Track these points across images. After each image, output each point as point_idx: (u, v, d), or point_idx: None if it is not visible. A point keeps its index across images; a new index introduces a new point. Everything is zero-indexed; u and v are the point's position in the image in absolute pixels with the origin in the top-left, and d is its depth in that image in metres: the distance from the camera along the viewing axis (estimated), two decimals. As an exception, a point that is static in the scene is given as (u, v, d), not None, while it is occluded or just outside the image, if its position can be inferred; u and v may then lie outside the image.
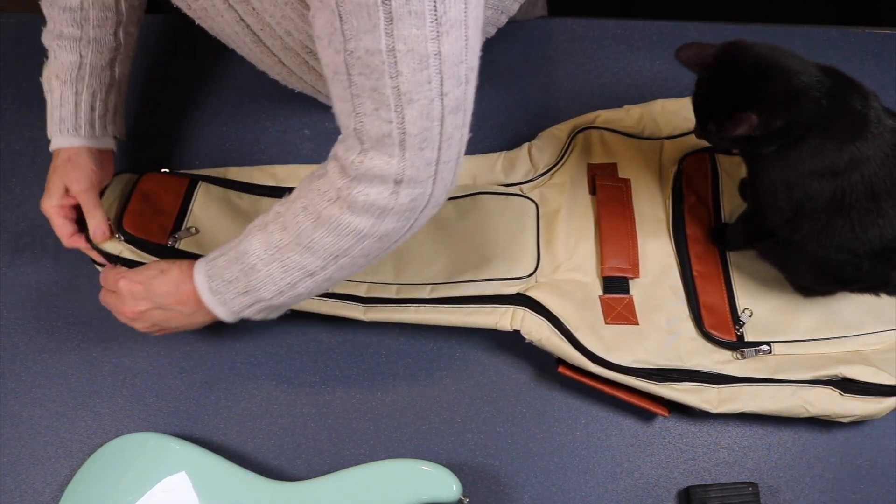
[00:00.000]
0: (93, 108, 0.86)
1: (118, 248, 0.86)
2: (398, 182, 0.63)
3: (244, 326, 0.93)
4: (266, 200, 0.94)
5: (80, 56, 0.84)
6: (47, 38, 0.85)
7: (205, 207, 0.92)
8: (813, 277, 0.83)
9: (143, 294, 0.78)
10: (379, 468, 0.81)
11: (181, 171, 0.96)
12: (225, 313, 0.76)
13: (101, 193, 0.88)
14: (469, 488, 0.86)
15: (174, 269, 0.77)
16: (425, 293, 0.86)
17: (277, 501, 0.80)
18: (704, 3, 1.93)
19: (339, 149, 0.65)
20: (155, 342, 0.92)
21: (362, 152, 0.63)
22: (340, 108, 0.63)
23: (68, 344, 0.92)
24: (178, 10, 0.80)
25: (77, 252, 0.96)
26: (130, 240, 0.86)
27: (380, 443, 0.88)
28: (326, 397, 0.90)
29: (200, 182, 0.93)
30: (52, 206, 0.86)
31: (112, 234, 0.86)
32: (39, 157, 1.01)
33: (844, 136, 0.71)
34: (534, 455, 0.87)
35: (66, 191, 0.86)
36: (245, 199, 0.94)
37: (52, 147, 0.87)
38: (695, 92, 0.78)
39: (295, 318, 0.93)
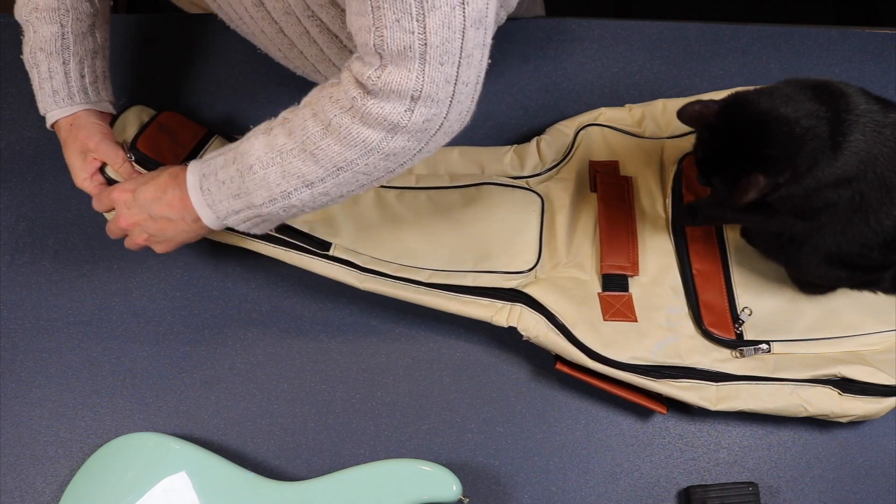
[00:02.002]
0: (82, 76, 0.86)
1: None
2: (415, 98, 0.62)
3: (244, 326, 0.93)
4: None
5: (61, 26, 0.84)
6: (23, 13, 0.84)
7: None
8: (824, 271, 0.83)
9: (132, 201, 0.77)
10: (379, 468, 0.81)
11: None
12: (211, 217, 0.74)
13: (113, 122, 0.88)
14: (469, 488, 0.86)
15: (164, 174, 0.77)
16: (423, 277, 0.86)
17: (277, 501, 0.80)
18: (704, 3, 1.93)
19: (355, 64, 0.65)
20: (155, 342, 0.92)
21: (381, 67, 0.62)
22: (359, 25, 0.62)
23: (68, 344, 0.92)
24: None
25: (77, 252, 0.96)
26: (141, 159, 0.85)
27: (380, 443, 0.88)
28: (326, 397, 0.90)
29: (217, 136, 0.93)
30: (84, 180, 0.85)
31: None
32: (39, 157, 1.01)
33: (852, 145, 0.72)
34: (534, 455, 0.87)
35: (84, 155, 0.85)
36: None
37: (50, 121, 0.86)
38: (696, 147, 0.79)
39: (294, 316, 0.93)
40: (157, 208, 0.77)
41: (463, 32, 0.60)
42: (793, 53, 1.06)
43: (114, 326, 0.93)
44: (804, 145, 0.72)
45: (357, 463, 0.85)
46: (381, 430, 0.89)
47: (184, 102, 1.04)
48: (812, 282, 0.87)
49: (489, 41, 0.63)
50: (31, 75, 0.85)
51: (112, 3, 0.90)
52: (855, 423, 0.88)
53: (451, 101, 0.64)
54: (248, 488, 0.81)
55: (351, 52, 0.87)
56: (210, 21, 1.07)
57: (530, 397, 0.90)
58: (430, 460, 0.82)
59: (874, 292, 0.88)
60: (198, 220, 0.76)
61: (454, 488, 0.79)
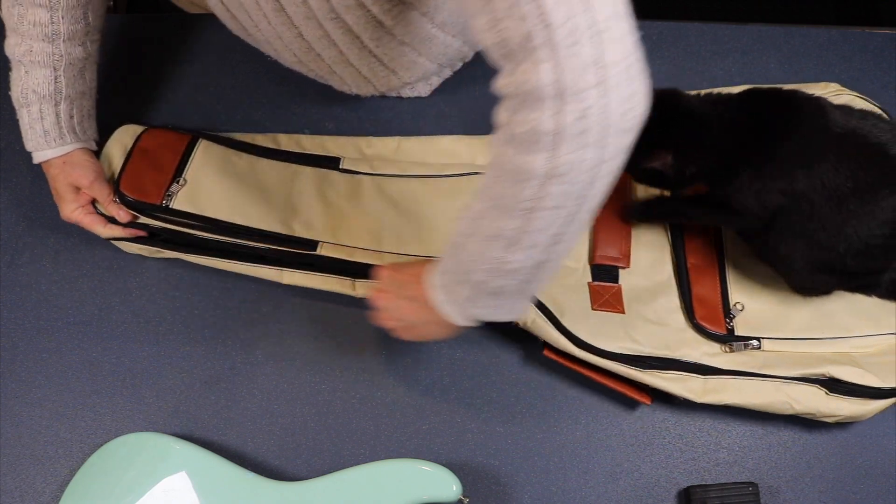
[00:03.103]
0: (71, 117, 0.89)
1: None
2: (557, 96, 0.52)
3: (244, 326, 0.93)
4: (264, 161, 0.96)
5: (54, 70, 0.86)
6: (16, 53, 0.85)
7: (202, 164, 0.94)
8: (810, 277, 0.84)
9: (386, 276, 0.76)
10: (379, 468, 0.81)
11: (185, 129, 0.99)
12: (454, 312, 0.69)
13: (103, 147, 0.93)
14: (469, 488, 0.86)
15: (419, 266, 0.73)
16: None
17: (277, 501, 0.80)
18: (704, 3, 1.93)
19: (498, 89, 0.57)
20: (155, 342, 0.92)
21: (510, 72, 0.54)
22: (479, 29, 0.54)
23: (68, 344, 0.92)
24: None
25: (77, 252, 0.96)
26: (126, 202, 0.90)
27: (380, 443, 0.88)
28: (326, 397, 0.90)
29: (201, 139, 0.96)
30: (73, 211, 0.89)
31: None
32: (39, 157, 1.01)
33: (792, 160, 0.77)
34: (534, 455, 0.87)
35: (77, 189, 0.89)
36: (244, 158, 0.96)
37: (39, 159, 0.89)
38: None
39: (294, 316, 0.93)
40: (405, 290, 0.74)
41: (586, 1, 0.51)
42: (793, 53, 1.05)
43: (114, 326, 0.93)
44: (716, 154, 0.79)
45: (357, 463, 0.85)
46: (381, 430, 0.89)
47: (183, 102, 1.04)
48: (807, 287, 0.88)
49: (626, 9, 0.54)
50: (19, 114, 0.87)
51: (100, 43, 0.92)
52: (855, 424, 0.88)
53: (604, 87, 0.53)
54: (248, 488, 0.81)
55: (370, 52, 0.87)
56: (210, 21, 1.07)
57: (530, 397, 0.90)
58: (430, 460, 0.82)
59: (869, 296, 0.88)
60: (441, 315, 0.71)
61: (454, 488, 0.79)
